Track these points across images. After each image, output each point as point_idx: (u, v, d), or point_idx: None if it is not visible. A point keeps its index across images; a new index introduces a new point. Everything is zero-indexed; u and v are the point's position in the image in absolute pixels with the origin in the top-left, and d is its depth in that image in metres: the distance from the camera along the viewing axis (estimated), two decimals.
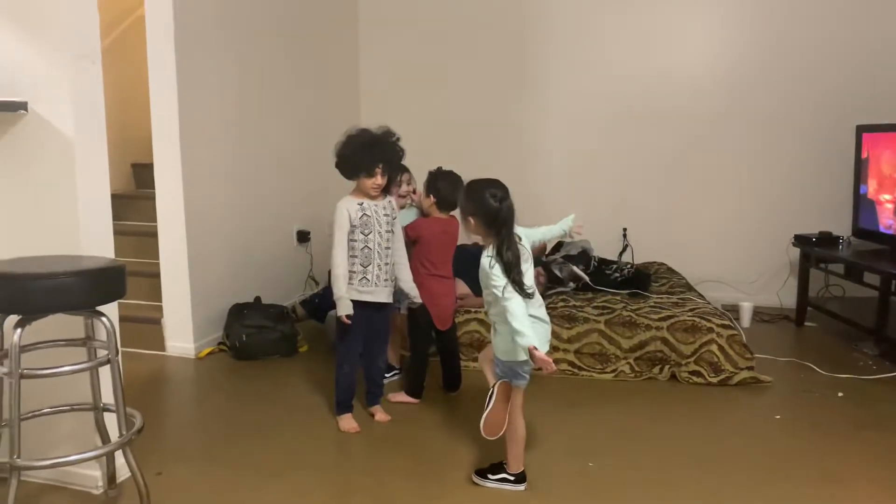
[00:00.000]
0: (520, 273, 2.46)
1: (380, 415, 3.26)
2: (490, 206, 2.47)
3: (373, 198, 3.07)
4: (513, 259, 2.45)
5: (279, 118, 4.94)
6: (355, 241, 3.03)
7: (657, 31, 5.48)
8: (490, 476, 2.64)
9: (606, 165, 5.69)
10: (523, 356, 2.44)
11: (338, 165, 3.04)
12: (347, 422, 3.16)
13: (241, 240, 4.52)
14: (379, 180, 3.01)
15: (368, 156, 2.98)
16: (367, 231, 3.03)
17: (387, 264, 3.10)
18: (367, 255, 3.05)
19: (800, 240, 4.91)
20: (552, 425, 3.17)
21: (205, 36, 4.14)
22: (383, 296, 3.12)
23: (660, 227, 5.60)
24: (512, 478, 2.62)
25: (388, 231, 3.09)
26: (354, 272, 3.05)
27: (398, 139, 3.08)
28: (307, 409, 3.36)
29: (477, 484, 2.64)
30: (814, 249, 4.74)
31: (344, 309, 2.97)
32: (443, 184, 3.34)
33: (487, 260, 2.49)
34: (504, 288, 2.42)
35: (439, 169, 3.41)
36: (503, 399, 2.55)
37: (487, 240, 2.53)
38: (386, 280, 3.11)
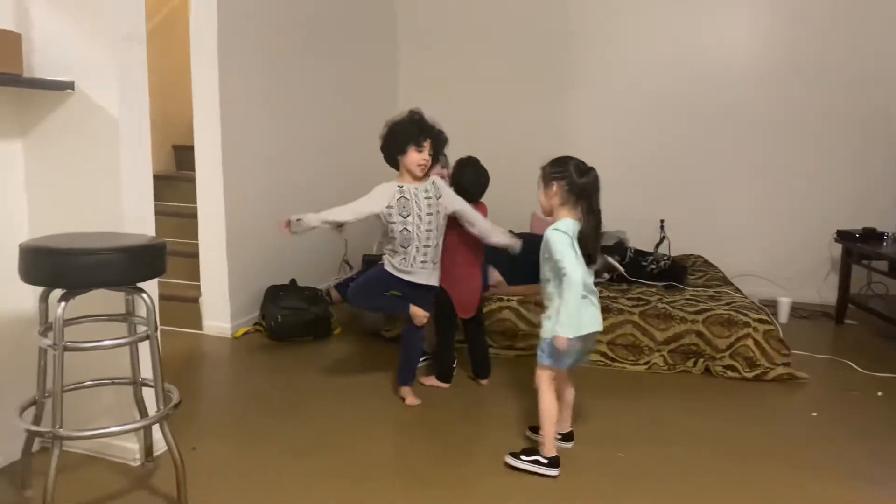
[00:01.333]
0: (594, 248, 2.56)
1: (409, 398, 3.28)
2: (579, 170, 2.57)
3: (416, 179, 3.08)
4: (590, 233, 2.55)
5: (319, 104, 4.98)
6: (394, 223, 3.06)
7: (699, 22, 5.39)
8: (523, 457, 2.64)
9: (644, 157, 5.62)
10: (582, 331, 2.52)
11: (384, 144, 3.08)
12: (408, 393, 3.30)
13: (278, 222, 4.56)
14: (426, 155, 3.04)
15: (417, 129, 3.02)
16: (405, 213, 3.05)
17: (427, 247, 3.11)
18: (406, 237, 3.06)
19: (843, 235, 4.80)
20: (583, 415, 3.15)
21: (247, 21, 4.18)
22: (422, 278, 3.14)
23: (698, 220, 5.52)
24: (545, 461, 2.62)
25: (429, 214, 3.09)
26: (395, 252, 3.11)
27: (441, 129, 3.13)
28: (339, 391, 3.40)
29: (511, 466, 2.64)
30: (857, 245, 4.63)
31: (302, 221, 3.05)
32: (466, 173, 3.34)
33: (557, 233, 2.51)
34: (567, 261, 2.47)
35: (463, 159, 3.41)
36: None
37: (562, 211, 2.57)
38: (424, 262, 3.12)
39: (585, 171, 2.60)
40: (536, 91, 5.80)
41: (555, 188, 2.59)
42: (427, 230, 3.10)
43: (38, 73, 2.44)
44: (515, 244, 3.33)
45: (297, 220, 3.06)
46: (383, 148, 3.10)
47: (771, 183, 5.37)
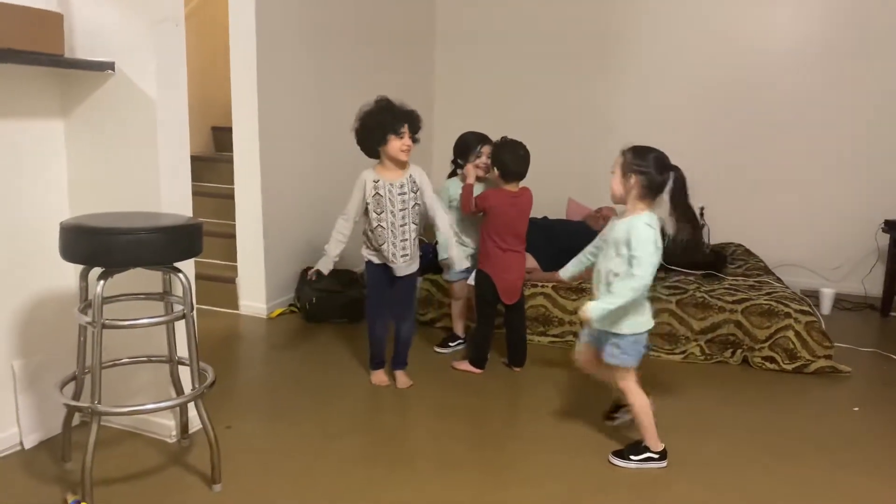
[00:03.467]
0: (678, 261, 2.51)
1: (401, 379, 3.28)
2: (659, 166, 2.47)
3: (399, 167, 3.03)
4: (684, 243, 2.47)
5: (356, 87, 4.96)
6: (369, 219, 3.06)
7: (743, 6, 5.24)
8: (633, 457, 2.59)
9: (685, 143, 5.46)
10: (649, 325, 2.49)
11: (360, 139, 3.01)
12: (376, 377, 3.29)
13: (314, 205, 4.59)
14: (408, 140, 2.97)
15: (391, 116, 2.94)
16: (379, 210, 3.03)
17: (404, 241, 3.09)
18: (381, 233, 3.06)
19: (891, 225, 4.66)
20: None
21: (286, 2, 4.18)
22: (402, 270, 3.14)
23: (739, 208, 5.40)
24: (656, 455, 2.58)
25: (402, 210, 3.05)
26: (370, 246, 3.13)
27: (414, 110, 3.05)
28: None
29: (619, 465, 2.59)
30: None
31: (320, 264, 3.11)
32: (508, 155, 3.27)
33: (649, 230, 2.38)
34: (650, 263, 2.37)
35: (504, 139, 3.34)
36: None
37: (639, 204, 2.46)
38: (404, 255, 3.11)
39: (666, 167, 2.47)
40: (576, 76, 5.71)
41: (633, 180, 2.46)
42: (402, 224, 3.07)
43: (79, 54, 2.46)
44: (454, 263, 3.23)
45: (317, 270, 3.15)
46: (361, 142, 3.01)
47: (815, 170, 5.22)
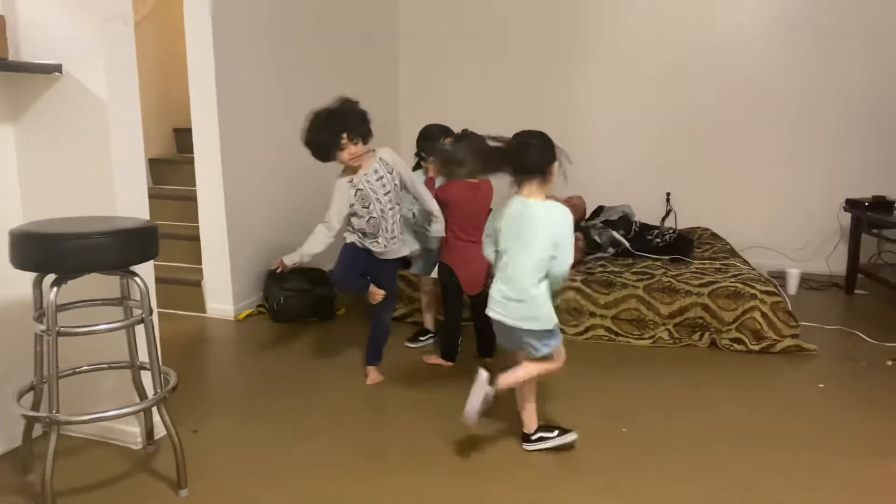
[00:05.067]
0: None
1: (372, 375, 3.28)
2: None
3: (357, 169, 3.03)
4: None
5: (318, 83, 4.91)
6: (360, 217, 3.05)
7: None
8: (545, 435, 2.61)
9: (650, 129, 5.55)
10: None
11: (317, 155, 3.00)
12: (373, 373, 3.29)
13: (278, 205, 4.54)
14: (353, 149, 2.96)
15: (328, 131, 2.93)
16: (366, 204, 3.03)
17: (395, 222, 3.12)
18: (375, 224, 3.06)
19: (852, 204, 4.73)
20: (586, 390, 3.14)
21: (242, 1, 4.12)
22: (394, 253, 3.16)
23: (705, 192, 5.46)
24: (559, 432, 2.63)
25: (386, 194, 3.06)
26: (366, 234, 3.09)
27: (356, 103, 3.02)
28: (343, 372, 3.38)
29: (534, 449, 2.61)
30: (866, 214, 4.56)
31: (287, 257, 3.05)
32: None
33: (571, 218, 2.43)
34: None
35: (464, 131, 3.34)
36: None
37: (542, 191, 2.46)
38: (394, 237, 3.13)
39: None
40: (541, 65, 5.71)
41: (553, 172, 2.49)
42: (390, 208, 3.08)
43: (25, 57, 2.40)
44: (437, 233, 3.29)
45: (281, 261, 3.08)
46: (318, 157, 3.00)
47: (779, 153, 5.29)
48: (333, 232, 3.07)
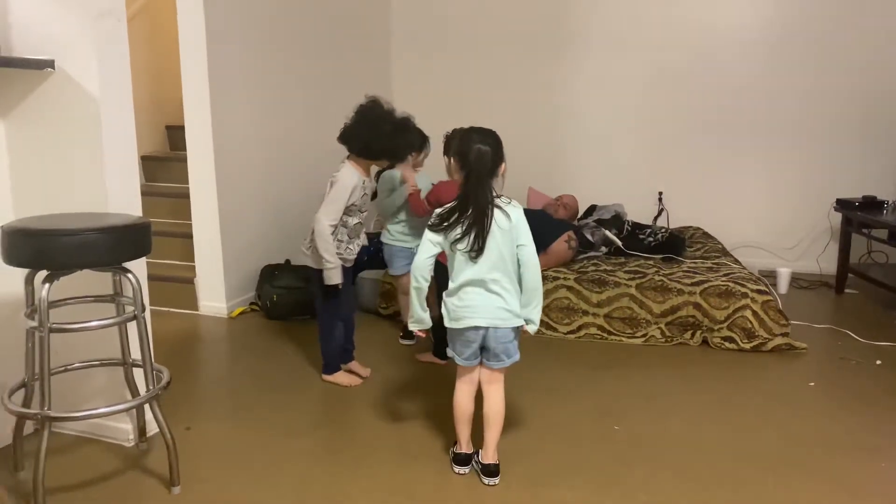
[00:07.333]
0: None
1: (357, 369, 3.30)
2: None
3: (368, 170, 3.07)
4: None
5: (310, 82, 4.92)
6: (351, 217, 3.02)
7: None
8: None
9: (642, 129, 5.56)
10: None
11: (385, 145, 2.92)
12: (346, 377, 3.24)
13: (272, 202, 4.54)
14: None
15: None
16: (364, 209, 3.07)
17: (364, 232, 3.19)
18: (357, 229, 3.08)
19: (842, 204, 4.76)
20: (578, 388, 3.15)
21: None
22: (354, 257, 3.16)
23: (697, 192, 5.48)
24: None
25: (364, 205, 3.10)
26: (341, 241, 3.02)
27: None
28: None
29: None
30: (856, 214, 4.59)
31: (337, 277, 2.96)
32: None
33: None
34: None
35: (455, 131, 3.33)
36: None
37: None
38: (359, 243, 3.15)
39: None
40: (532, 65, 5.72)
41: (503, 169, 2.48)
42: (364, 214, 3.12)
43: (17, 53, 2.40)
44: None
45: (336, 285, 3.00)
46: (383, 145, 2.92)
47: (770, 153, 5.31)
48: (331, 238, 2.98)
